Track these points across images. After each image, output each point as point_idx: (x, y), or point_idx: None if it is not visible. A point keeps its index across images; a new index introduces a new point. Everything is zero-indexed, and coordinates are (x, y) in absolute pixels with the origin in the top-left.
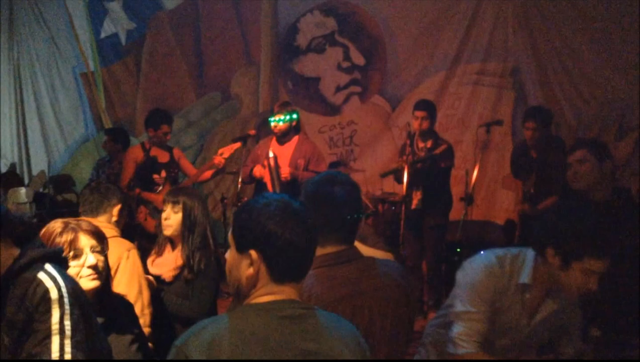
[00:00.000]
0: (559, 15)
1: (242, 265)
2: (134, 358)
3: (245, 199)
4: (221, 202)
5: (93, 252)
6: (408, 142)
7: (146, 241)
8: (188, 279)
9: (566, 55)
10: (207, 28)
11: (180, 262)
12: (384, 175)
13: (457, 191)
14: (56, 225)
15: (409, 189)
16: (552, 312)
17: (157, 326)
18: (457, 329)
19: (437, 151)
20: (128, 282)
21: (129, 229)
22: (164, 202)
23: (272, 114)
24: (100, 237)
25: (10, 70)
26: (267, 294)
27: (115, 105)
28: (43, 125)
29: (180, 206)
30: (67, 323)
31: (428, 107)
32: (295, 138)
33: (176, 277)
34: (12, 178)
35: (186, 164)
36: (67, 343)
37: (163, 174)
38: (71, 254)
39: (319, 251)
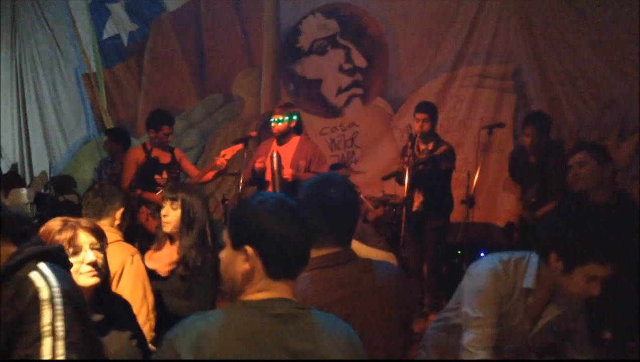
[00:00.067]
0: (560, 18)
1: (237, 261)
2: (134, 353)
3: None
4: (222, 203)
5: (92, 249)
6: (409, 144)
7: (147, 242)
8: (183, 276)
9: (567, 57)
10: (209, 30)
11: (175, 257)
12: (385, 178)
13: (458, 193)
14: (55, 223)
15: (410, 191)
16: (555, 317)
17: (157, 327)
18: (469, 337)
19: (438, 152)
20: (133, 288)
21: (130, 230)
22: (163, 199)
23: (272, 114)
24: (99, 234)
25: (12, 71)
26: (261, 291)
27: (117, 106)
28: (45, 126)
29: (179, 202)
30: (59, 324)
31: (429, 110)
32: (297, 139)
33: (171, 273)
34: (13, 179)
35: (188, 165)
36: (60, 345)
37: (164, 175)
38: (71, 251)
39: (315, 253)
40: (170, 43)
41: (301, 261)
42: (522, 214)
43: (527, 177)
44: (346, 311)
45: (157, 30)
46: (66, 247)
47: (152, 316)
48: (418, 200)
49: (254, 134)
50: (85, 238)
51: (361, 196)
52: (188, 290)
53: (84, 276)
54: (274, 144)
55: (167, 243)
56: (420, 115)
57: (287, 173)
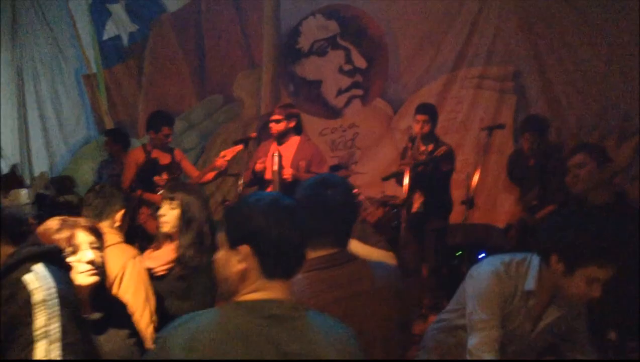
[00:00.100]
0: (561, 20)
1: (232, 261)
2: (131, 352)
3: None
4: (222, 204)
5: (91, 248)
6: (409, 145)
7: (147, 243)
8: (180, 275)
9: (568, 58)
10: (209, 30)
11: (173, 256)
12: (385, 178)
13: (458, 194)
14: (53, 222)
15: (410, 192)
16: (556, 319)
17: (157, 328)
18: (475, 340)
19: (438, 154)
20: (135, 290)
21: (130, 231)
22: (162, 198)
23: (271, 115)
24: (97, 233)
25: (12, 71)
26: (256, 291)
27: (117, 106)
28: (45, 126)
29: (177, 202)
30: (55, 326)
31: (429, 111)
32: (297, 139)
33: (169, 272)
34: (13, 179)
35: (188, 166)
36: (55, 347)
37: (164, 176)
38: (69, 250)
39: (312, 254)
40: (170, 44)
41: (297, 260)
42: (522, 216)
43: (526, 180)
44: (344, 311)
45: (157, 31)
46: (64, 246)
47: (154, 318)
48: (418, 201)
49: (254, 135)
50: (83, 237)
51: (361, 197)
52: (186, 290)
53: (83, 275)
54: (274, 145)
55: (167, 243)
56: (420, 117)
57: (287, 173)
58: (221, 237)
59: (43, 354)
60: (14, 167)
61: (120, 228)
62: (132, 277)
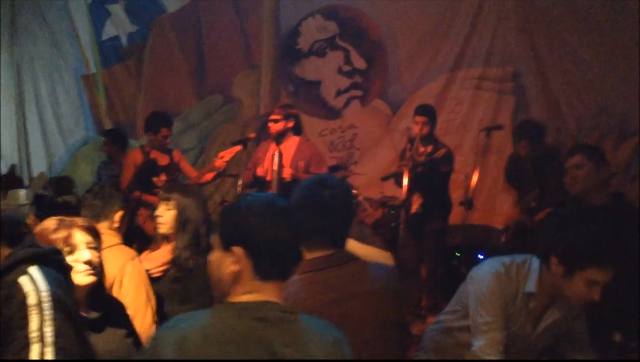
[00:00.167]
0: (560, 21)
1: (226, 263)
2: (129, 352)
3: None
4: (221, 205)
5: (88, 248)
6: (408, 146)
7: (146, 244)
8: (175, 277)
9: (567, 59)
10: (208, 31)
11: (168, 257)
12: (384, 178)
13: (456, 195)
14: (51, 222)
15: (409, 193)
16: (556, 320)
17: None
18: (479, 342)
19: (437, 155)
20: (136, 292)
21: (129, 232)
22: (159, 199)
23: (270, 115)
24: (94, 233)
25: (11, 71)
26: (249, 293)
27: (116, 107)
28: (43, 126)
29: (173, 203)
30: (48, 329)
31: (428, 113)
32: (297, 140)
33: (165, 273)
34: (12, 179)
35: (186, 166)
36: (49, 351)
37: (163, 177)
38: (66, 250)
39: (308, 255)
40: (169, 44)
41: (291, 261)
42: (521, 218)
43: (524, 182)
44: (340, 313)
45: (156, 32)
46: (62, 246)
47: (156, 318)
48: (417, 202)
49: (252, 135)
50: (80, 237)
51: (360, 198)
52: (182, 291)
53: (80, 275)
54: (274, 145)
55: (164, 245)
56: (419, 118)
57: (287, 173)
58: (215, 238)
59: (37, 357)
60: (12, 168)
61: (119, 229)
62: (132, 278)
